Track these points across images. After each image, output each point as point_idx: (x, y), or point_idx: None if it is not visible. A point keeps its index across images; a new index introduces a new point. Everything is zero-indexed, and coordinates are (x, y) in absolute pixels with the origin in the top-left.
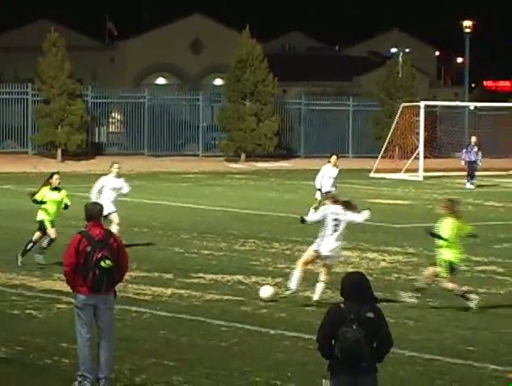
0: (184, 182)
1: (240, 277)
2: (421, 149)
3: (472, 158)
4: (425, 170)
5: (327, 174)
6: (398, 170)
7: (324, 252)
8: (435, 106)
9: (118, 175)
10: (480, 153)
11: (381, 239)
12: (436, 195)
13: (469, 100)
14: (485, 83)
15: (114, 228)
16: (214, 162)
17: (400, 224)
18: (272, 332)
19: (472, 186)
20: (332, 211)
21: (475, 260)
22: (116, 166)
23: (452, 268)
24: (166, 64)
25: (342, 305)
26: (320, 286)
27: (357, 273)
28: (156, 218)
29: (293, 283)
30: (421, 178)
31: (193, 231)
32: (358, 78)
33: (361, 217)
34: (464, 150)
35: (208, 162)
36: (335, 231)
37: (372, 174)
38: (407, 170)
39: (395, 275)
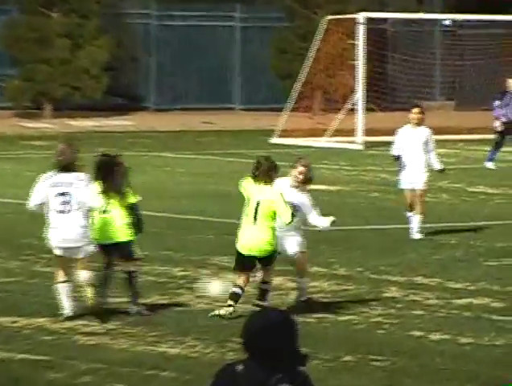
0: None
1: (45, 321)
2: (360, 95)
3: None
4: (368, 133)
5: (409, 138)
6: (320, 133)
7: (55, 244)
8: (385, 20)
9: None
10: None
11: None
12: (386, 174)
13: (444, 10)
14: None
15: None
16: None
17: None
18: None
19: (492, 166)
20: (53, 181)
21: (453, 287)
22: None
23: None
24: None
25: (240, 366)
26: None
27: (272, 313)
28: None
29: (66, 307)
30: (361, 147)
31: None
32: None
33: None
34: (497, 103)
35: None
36: (63, 211)
37: (275, 140)
38: (337, 132)
39: (312, 315)
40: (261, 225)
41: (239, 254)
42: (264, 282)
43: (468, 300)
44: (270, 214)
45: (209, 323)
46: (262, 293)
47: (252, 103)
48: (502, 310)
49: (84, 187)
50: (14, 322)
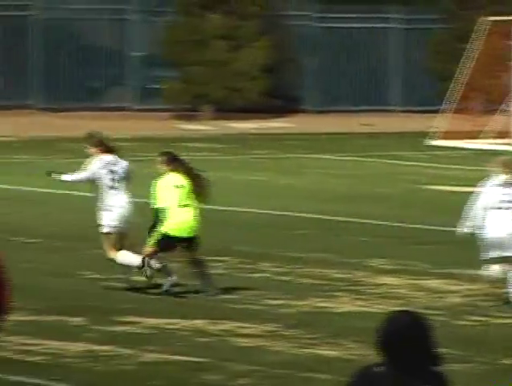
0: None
1: (202, 323)
2: None
3: None
4: None
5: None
6: (477, 134)
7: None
8: None
9: None
10: None
11: (450, 255)
12: None
13: None
14: None
15: None
16: (155, 121)
17: None
18: None
19: None
20: (106, 161)
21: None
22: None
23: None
24: None
25: (377, 368)
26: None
27: (407, 315)
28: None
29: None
30: None
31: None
32: None
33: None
34: None
35: (145, 121)
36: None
37: (431, 141)
38: (496, 134)
39: (472, 318)
40: None
41: None
42: None
43: None
44: None
45: (367, 326)
46: None
47: (408, 104)
48: None
49: None
50: (172, 323)
